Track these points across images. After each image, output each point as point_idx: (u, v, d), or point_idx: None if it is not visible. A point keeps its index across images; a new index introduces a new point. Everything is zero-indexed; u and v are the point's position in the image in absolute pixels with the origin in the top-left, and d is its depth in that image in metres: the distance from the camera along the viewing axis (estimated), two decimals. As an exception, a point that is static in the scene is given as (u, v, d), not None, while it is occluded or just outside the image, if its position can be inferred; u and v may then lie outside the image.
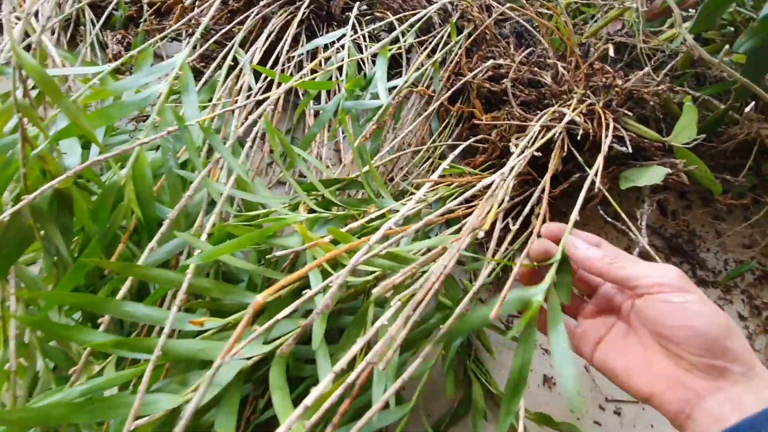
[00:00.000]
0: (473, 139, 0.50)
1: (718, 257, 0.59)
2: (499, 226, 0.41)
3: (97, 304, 0.31)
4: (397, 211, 0.39)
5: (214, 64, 0.51)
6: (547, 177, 0.44)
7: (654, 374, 0.27)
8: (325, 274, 0.34)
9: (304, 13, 0.60)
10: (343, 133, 0.60)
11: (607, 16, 0.57)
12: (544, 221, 0.52)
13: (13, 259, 0.37)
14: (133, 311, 0.31)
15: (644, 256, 0.58)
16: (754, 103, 0.47)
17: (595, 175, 0.45)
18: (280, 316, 0.31)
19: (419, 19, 0.55)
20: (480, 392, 0.43)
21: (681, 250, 0.59)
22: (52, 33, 0.60)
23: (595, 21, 0.64)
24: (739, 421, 0.23)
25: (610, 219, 0.52)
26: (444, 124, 0.59)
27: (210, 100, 0.51)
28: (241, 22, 0.58)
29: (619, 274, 0.28)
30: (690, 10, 0.54)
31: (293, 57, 0.56)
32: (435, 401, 0.48)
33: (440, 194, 0.48)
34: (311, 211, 0.41)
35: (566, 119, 0.48)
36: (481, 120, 0.54)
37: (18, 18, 0.53)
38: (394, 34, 0.48)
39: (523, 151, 0.45)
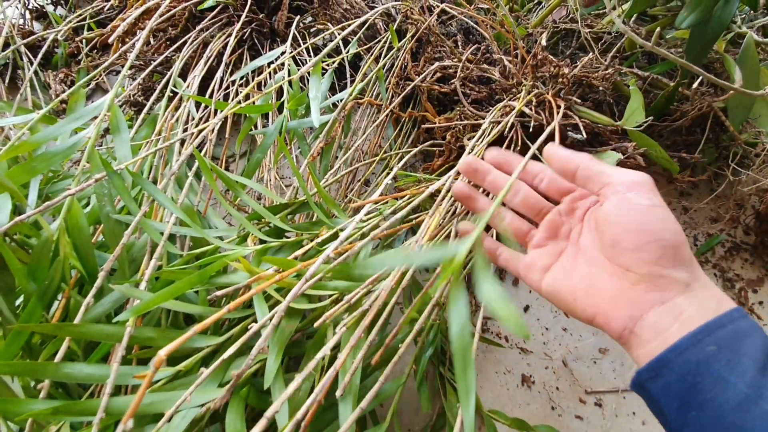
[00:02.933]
0: (424, 144, 0.49)
1: (687, 233, 0.59)
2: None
3: (35, 369, 0.30)
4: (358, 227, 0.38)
5: (154, 96, 0.50)
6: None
7: (599, 292, 0.26)
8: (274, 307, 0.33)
9: (244, 33, 0.59)
10: (299, 148, 0.59)
11: (549, 5, 0.56)
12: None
13: (-47, 326, 0.36)
14: (72, 372, 0.30)
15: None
16: (700, 78, 0.46)
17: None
18: (225, 355, 0.30)
19: (361, 27, 0.54)
20: (454, 405, 0.42)
21: (650, 230, 0.59)
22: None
23: (542, 8, 0.63)
24: (681, 338, 0.23)
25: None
26: (399, 129, 0.58)
27: (153, 133, 0.50)
28: (179, 49, 0.56)
29: (596, 168, 0.28)
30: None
31: (236, 80, 0.54)
32: (416, 414, 0.48)
33: (395, 205, 0.47)
34: (262, 241, 0.40)
35: (514, 112, 0.47)
36: (434, 123, 0.54)
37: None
38: (329, 47, 0.46)
39: (471, 150, 0.45)
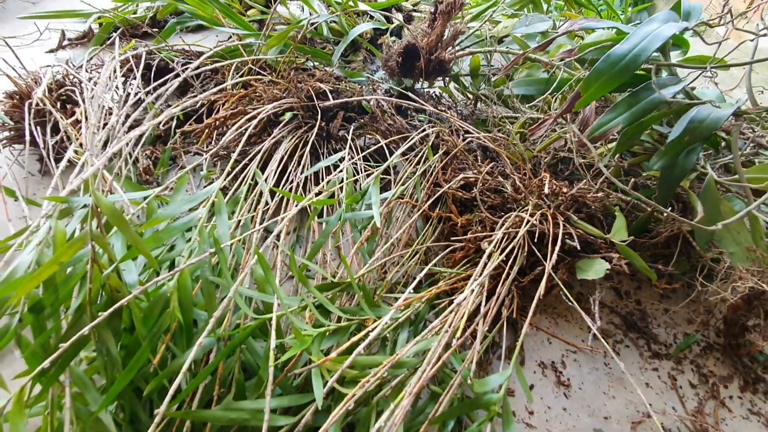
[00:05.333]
0: (450, 243, 0.60)
1: (668, 332, 0.69)
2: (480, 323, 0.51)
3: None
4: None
5: (238, 182, 0.63)
6: (503, 289, 0.54)
7: None
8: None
9: (308, 136, 0.74)
10: (343, 236, 0.71)
11: (551, 138, 0.72)
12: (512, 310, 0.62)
13: (70, 359, 0.45)
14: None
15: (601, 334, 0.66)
16: (670, 208, 0.59)
17: (551, 268, 0.56)
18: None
19: (404, 141, 0.69)
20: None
21: (636, 326, 0.68)
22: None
23: (547, 136, 0.79)
24: None
25: (571, 302, 0.62)
26: (428, 224, 0.70)
27: (233, 212, 0.62)
28: (256, 143, 0.71)
29: None
30: (615, 134, 0.69)
31: (300, 172, 0.68)
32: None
33: (427, 297, 0.58)
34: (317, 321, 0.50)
35: (525, 228, 0.59)
36: (457, 222, 0.66)
37: (76, 152, 0.65)
38: (385, 165, 0.60)
39: (487, 263, 0.56)
